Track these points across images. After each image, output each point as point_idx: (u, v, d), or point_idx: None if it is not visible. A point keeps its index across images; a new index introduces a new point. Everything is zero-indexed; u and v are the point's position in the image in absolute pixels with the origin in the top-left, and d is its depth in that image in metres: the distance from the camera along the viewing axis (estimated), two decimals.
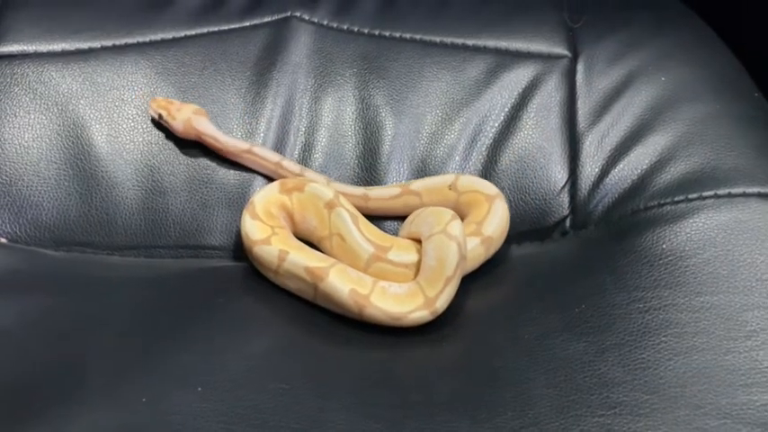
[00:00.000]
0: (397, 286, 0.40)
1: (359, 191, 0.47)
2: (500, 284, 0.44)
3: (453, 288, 0.40)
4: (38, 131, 0.48)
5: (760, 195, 0.43)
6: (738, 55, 0.54)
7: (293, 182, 0.45)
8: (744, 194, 0.43)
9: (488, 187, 0.45)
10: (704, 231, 0.42)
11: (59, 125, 0.49)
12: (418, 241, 0.42)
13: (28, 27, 0.52)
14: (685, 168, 0.46)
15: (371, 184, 0.49)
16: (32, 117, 0.49)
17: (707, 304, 0.38)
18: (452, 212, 0.42)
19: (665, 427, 0.33)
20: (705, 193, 0.44)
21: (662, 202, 0.44)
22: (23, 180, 0.47)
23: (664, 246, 0.42)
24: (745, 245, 0.41)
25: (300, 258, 0.41)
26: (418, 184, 0.47)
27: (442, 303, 0.40)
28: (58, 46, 0.51)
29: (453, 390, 0.36)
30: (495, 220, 0.44)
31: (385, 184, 0.49)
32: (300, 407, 0.35)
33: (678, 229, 0.42)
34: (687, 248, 0.41)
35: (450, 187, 0.46)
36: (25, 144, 0.48)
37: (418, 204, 0.46)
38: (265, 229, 0.43)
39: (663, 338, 0.37)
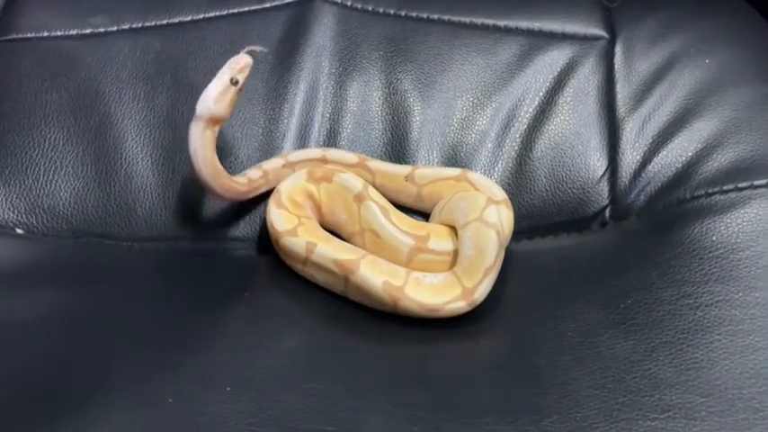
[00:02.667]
0: (432, 276, 0.39)
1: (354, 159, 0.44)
2: (538, 277, 0.42)
3: (492, 278, 0.39)
4: (54, 116, 0.47)
5: None
6: None
7: (322, 171, 0.43)
8: None
9: (495, 191, 0.42)
10: (757, 222, 0.40)
11: (77, 110, 0.47)
12: (451, 227, 0.40)
13: (42, 10, 0.50)
14: (734, 156, 0.43)
15: None
16: (49, 99, 0.47)
17: (762, 300, 0.36)
18: (487, 197, 0.40)
19: (722, 431, 0.31)
20: (756, 182, 0.42)
21: (710, 191, 0.42)
22: (40, 167, 0.46)
23: (713, 238, 0.40)
24: None
25: (329, 250, 0.39)
26: (424, 172, 0.44)
27: (480, 294, 0.38)
28: (73, 30, 0.50)
29: (494, 390, 0.34)
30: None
31: None
32: (334, 408, 0.33)
33: (728, 220, 0.40)
34: (739, 240, 0.39)
35: (456, 179, 0.43)
36: (41, 130, 0.46)
37: (414, 192, 0.44)
38: (291, 218, 0.41)
39: (716, 336, 0.35)
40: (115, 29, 0.50)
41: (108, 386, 0.34)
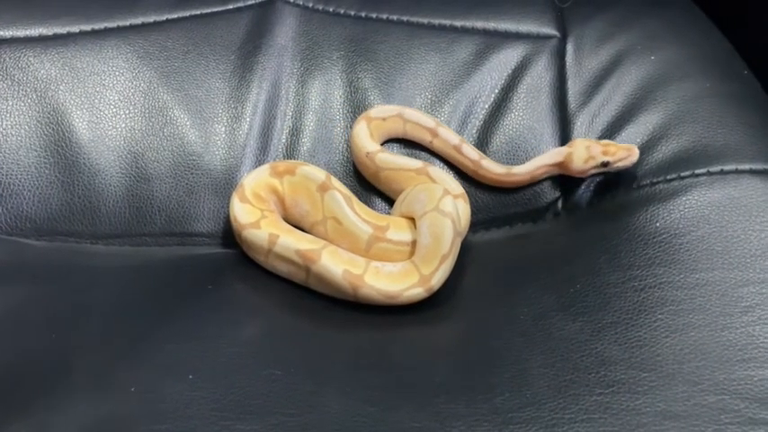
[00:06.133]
0: (391, 265, 0.40)
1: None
2: (494, 265, 0.43)
3: (449, 265, 0.40)
4: (16, 118, 0.47)
5: (752, 172, 0.43)
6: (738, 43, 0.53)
7: (285, 165, 0.44)
8: (736, 171, 0.43)
9: (453, 185, 0.44)
10: (697, 208, 0.42)
11: (39, 112, 0.47)
12: (412, 219, 0.42)
13: (4, 12, 0.50)
14: (677, 147, 0.45)
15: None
16: (10, 104, 0.47)
17: (702, 281, 0.38)
18: (443, 188, 0.41)
19: (663, 404, 0.33)
20: (697, 171, 0.44)
21: (654, 180, 0.44)
22: (2, 169, 0.46)
23: (657, 224, 0.41)
24: (738, 221, 0.40)
25: (291, 241, 0.40)
26: (386, 157, 0.46)
27: (437, 280, 0.39)
28: (35, 31, 0.50)
29: (450, 371, 0.36)
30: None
31: None
32: (294, 392, 0.34)
33: (671, 207, 0.42)
34: (681, 226, 0.41)
35: (416, 172, 0.45)
36: (3, 131, 0.47)
37: (373, 170, 0.46)
38: (254, 212, 0.42)
39: (659, 316, 0.37)
40: (78, 30, 0.50)
41: (72, 376, 0.34)
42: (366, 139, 0.46)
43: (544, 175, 0.47)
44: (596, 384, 0.34)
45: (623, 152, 0.44)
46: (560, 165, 0.46)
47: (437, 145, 0.47)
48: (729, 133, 0.45)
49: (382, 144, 0.48)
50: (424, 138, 0.47)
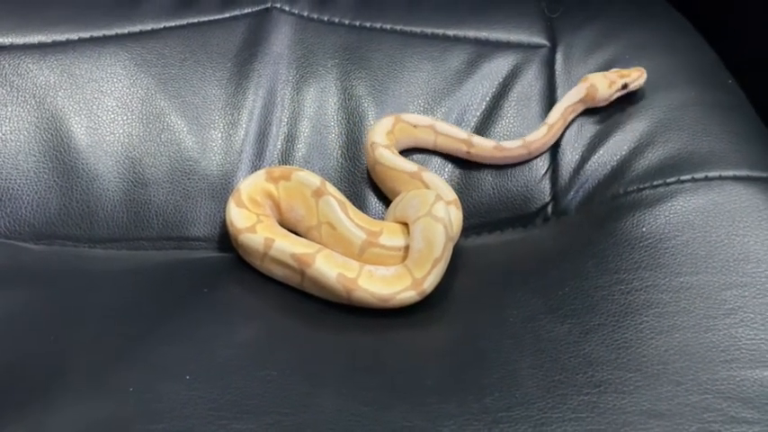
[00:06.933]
0: (384, 269, 0.41)
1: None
2: (486, 269, 0.44)
3: (441, 269, 0.41)
4: (15, 124, 0.48)
5: (735, 178, 0.44)
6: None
7: (280, 170, 0.45)
8: (720, 178, 0.44)
9: (446, 191, 0.45)
10: (682, 214, 0.43)
11: (38, 117, 0.48)
12: (405, 225, 0.43)
13: (3, 19, 0.51)
14: (663, 154, 0.47)
15: (355, 175, 0.49)
16: (9, 110, 0.48)
17: (686, 284, 0.39)
18: (436, 194, 0.42)
19: (648, 403, 0.34)
20: (683, 177, 0.45)
21: (641, 186, 0.45)
22: (1, 173, 0.46)
23: (644, 229, 0.42)
24: (721, 226, 0.42)
25: (287, 245, 0.41)
26: (386, 154, 0.47)
27: (429, 284, 0.40)
28: (34, 38, 0.51)
29: (442, 372, 0.36)
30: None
31: (369, 174, 0.49)
32: (289, 392, 0.35)
33: (657, 213, 0.43)
34: (666, 231, 0.42)
35: (410, 175, 0.46)
36: (3, 137, 0.47)
37: (372, 161, 0.47)
38: (251, 216, 0.43)
39: (645, 318, 0.38)
40: (77, 38, 0.51)
41: (68, 377, 0.35)
42: (379, 132, 0.47)
43: (572, 116, 0.49)
44: (584, 384, 0.35)
45: (636, 73, 0.49)
46: (584, 99, 0.49)
47: (475, 153, 0.48)
48: (714, 141, 0.47)
49: (403, 152, 0.49)
50: (460, 149, 0.48)
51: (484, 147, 0.48)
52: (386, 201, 0.48)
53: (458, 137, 0.48)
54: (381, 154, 0.46)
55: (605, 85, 0.49)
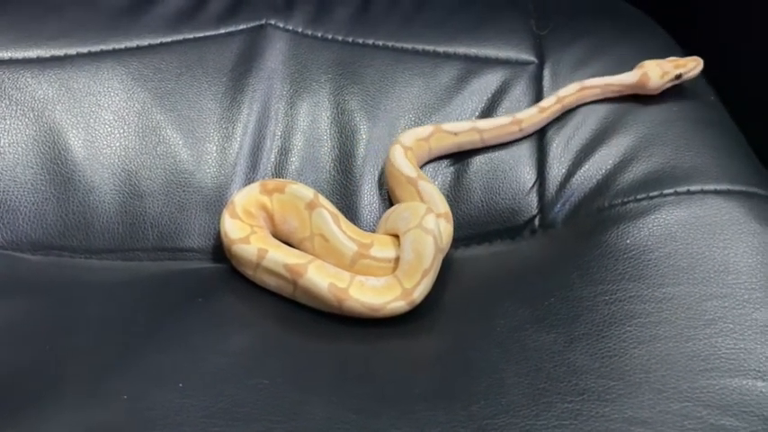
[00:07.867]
0: (374, 279, 0.42)
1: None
2: (474, 280, 0.45)
3: (430, 280, 0.42)
4: (14, 137, 0.49)
5: (716, 192, 0.45)
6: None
7: (274, 183, 0.46)
8: (701, 191, 0.45)
9: (439, 204, 0.46)
10: (665, 227, 0.44)
11: (35, 130, 0.49)
12: (396, 237, 0.44)
13: (2, 34, 0.52)
14: (647, 168, 0.48)
15: (347, 188, 0.50)
16: (8, 123, 0.49)
17: (668, 295, 0.40)
18: (426, 206, 0.43)
19: (630, 411, 0.35)
20: (665, 191, 0.46)
21: (625, 200, 0.46)
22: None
23: (628, 241, 0.43)
24: (703, 239, 0.43)
25: (279, 256, 0.42)
26: (396, 151, 0.48)
27: (419, 294, 0.41)
28: (33, 53, 0.51)
29: (429, 381, 0.37)
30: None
31: (361, 187, 0.50)
32: (280, 400, 0.35)
33: (641, 225, 0.44)
34: (649, 243, 0.43)
35: (407, 180, 0.47)
36: (1, 149, 0.48)
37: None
38: (244, 228, 0.44)
39: (628, 328, 0.39)
40: (75, 53, 0.52)
41: (62, 385, 0.35)
42: (410, 135, 0.49)
43: (613, 94, 0.50)
44: (568, 392, 0.36)
45: (692, 63, 0.49)
46: (634, 85, 0.50)
47: (526, 126, 0.49)
48: (696, 156, 0.48)
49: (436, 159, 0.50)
50: (513, 131, 0.49)
51: (531, 114, 0.49)
52: (377, 213, 0.49)
53: (504, 123, 0.49)
54: (392, 152, 0.48)
55: (658, 74, 0.49)
